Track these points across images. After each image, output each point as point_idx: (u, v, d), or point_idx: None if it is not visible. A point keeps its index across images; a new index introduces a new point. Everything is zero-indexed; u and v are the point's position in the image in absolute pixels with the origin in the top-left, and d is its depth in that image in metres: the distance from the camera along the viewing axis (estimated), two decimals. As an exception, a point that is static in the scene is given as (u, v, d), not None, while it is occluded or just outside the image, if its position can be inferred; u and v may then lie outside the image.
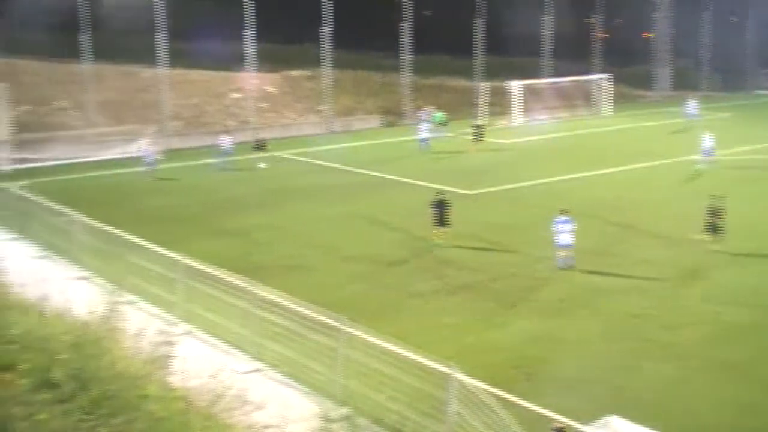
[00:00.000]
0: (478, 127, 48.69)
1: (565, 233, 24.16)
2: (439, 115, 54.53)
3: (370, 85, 63.94)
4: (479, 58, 63.30)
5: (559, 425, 12.09)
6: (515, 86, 59.18)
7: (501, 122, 58.09)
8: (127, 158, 45.51)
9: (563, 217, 24.42)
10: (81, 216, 24.43)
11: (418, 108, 57.69)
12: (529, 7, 66.59)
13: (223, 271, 18.48)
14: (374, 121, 59.43)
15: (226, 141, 42.30)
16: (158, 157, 39.68)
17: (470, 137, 47.93)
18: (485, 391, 12.68)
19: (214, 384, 12.85)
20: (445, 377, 12.93)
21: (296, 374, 16.15)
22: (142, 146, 38.49)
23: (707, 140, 39.78)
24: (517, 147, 49.21)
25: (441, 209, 27.14)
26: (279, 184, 38.75)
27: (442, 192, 28.11)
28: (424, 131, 47.88)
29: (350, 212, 32.21)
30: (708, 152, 39.63)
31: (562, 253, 24.35)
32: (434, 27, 66.83)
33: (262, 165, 38.67)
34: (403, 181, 38.32)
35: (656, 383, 16.97)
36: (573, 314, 21.04)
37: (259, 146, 48.55)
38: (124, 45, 54.17)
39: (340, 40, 57.97)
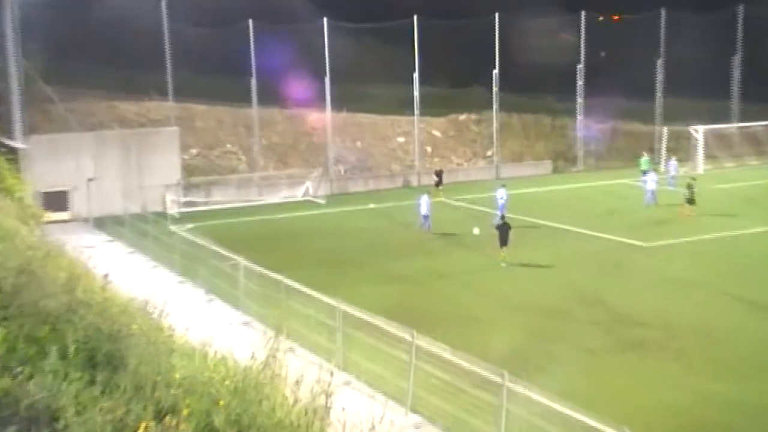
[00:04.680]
0: (690, 185, 40.86)
1: None
2: (646, 160, 51.33)
3: (539, 128, 62.24)
4: (659, 101, 60.69)
5: None
6: (699, 131, 56.21)
7: (682, 170, 55.32)
8: (293, 202, 46.43)
9: None
10: (246, 260, 24.83)
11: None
12: (715, 46, 63.00)
13: (386, 319, 18.17)
14: (544, 167, 57.84)
15: (672, 165, 39.67)
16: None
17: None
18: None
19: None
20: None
21: (455, 430, 15.77)
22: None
23: None
24: (701, 196, 46.51)
25: (504, 231, 30.85)
26: (446, 230, 38.24)
27: (503, 216, 33.30)
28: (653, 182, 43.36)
29: (518, 261, 31.20)
30: None
31: None
32: (609, 68, 64.92)
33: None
34: (573, 230, 36.91)
35: None
36: (761, 378, 19.39)
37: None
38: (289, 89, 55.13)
39: (508, 83, 56.96)
